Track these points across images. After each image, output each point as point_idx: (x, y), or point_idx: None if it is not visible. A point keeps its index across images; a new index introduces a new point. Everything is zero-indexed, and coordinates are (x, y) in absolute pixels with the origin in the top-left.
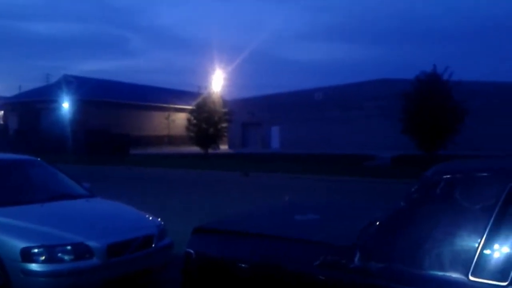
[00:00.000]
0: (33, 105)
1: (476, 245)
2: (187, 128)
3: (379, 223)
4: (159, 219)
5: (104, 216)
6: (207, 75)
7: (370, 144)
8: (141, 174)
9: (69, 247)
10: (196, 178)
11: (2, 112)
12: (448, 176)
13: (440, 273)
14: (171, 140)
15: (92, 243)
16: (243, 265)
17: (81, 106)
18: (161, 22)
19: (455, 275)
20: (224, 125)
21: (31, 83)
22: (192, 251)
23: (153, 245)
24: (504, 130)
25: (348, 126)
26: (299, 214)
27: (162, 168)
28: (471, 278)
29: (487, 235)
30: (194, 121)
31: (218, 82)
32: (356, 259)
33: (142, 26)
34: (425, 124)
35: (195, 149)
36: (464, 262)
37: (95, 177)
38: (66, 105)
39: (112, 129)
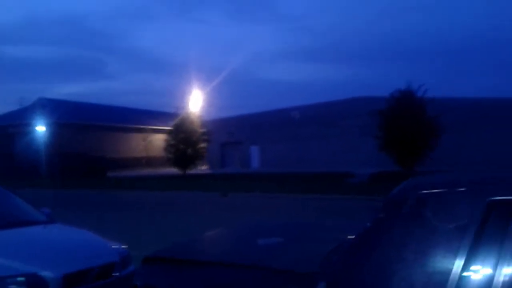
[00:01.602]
0: (6, 129)
1: (451, 268)
2: (165, 149)
3: (344, 247)
4: (123, 246)
5: (61, 244)
6: (186, 96)
7: (348, 161)
8: (116, 198)
9: (21, 279)
10: (173, 200)
11: None
12: (417, 192)
13: None
14: (149, 161)
15: (46, 273)
16: None
17: (56, 129)
18: (139, 45)
19: None
20: (203, 145)
21: (4, 107)
22: (139, 283)
23: (116, 274)
24: (481, 145)
25: (326, 144)
26: (263, 237)
27: (138, 190)
28: None
29: (462, 257)
30: (172, 142)
31: (196, 103)
32: (320, 287)
33: (119, 49)
34: (400, 141)
35: (174, 170)
36: (439, 287)
37: (66, 202)
38: (40, 129)
39: (89, 152)
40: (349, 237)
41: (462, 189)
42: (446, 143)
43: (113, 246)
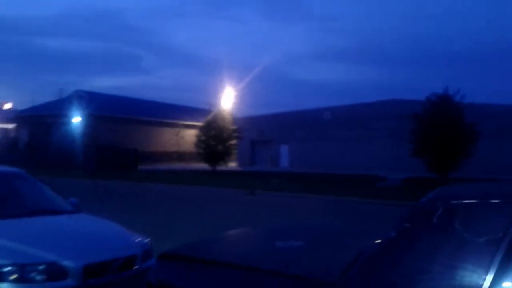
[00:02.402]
0: (44, 119)
1: (481, 283)
2: (196, 145)
3: (366, 256)
4: (146, 239)
5: (84, 234)
6: (218, 93)
7: (379, 165)
8: (145, 190)
9: (42, 267)
10: (201, 195)
11: (14, 125)
12: (448, 202)
13: None
14: (180, 156)
15: (67, 263)
16: None
17: (92, 121)
18: (174, 41)
19: None
20: (233, 142)
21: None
22: (154, 280)
23: (136, 266)
24: None
25: (357, 146)
26: (283, 240)
27: (168, 184)
28: None
29: (493, 272)
30: (203, 138)
31: (228, 100)
32: None
33: (154, 45)
34: (435, 146)
35: (204, 166)
36: None
37: (97, 192)
38: (76, 120)
39: (121, 144)
40: (372, 243)
41: (496, 200)
42: (482, 150)
43: (136, 239)
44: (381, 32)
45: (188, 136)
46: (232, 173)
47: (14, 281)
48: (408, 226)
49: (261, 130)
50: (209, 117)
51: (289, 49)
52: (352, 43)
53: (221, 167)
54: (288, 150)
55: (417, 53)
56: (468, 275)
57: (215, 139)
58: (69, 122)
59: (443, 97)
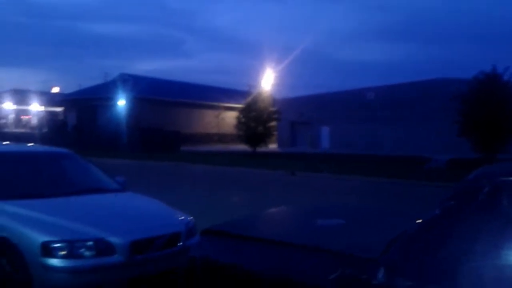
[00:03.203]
0: (90, 102)
1: None
2: (236, 127)
3: (409, 234)
4: (190, 217)
5: (130, 212)
6: (258, 75)
7: (424, 146)
8: (189, 171)
9: (90, 243)
10: (242, 175)
11: (62, 108)
12: (494, 180)
13: None
14: (221, 138)
15: (114, 239)
16: (250, 274)
17: (136, 103)
18: (216, 24)
19: None
20: (273, 123)
21: (90, 82)
22: (197, 255)
23: (180, 243)
24: None
25: (401, 127)
26: (323, 218)
27: (210, 165)
28: None
29: None
30: (243, 120)
31: (268, 81)
32: (380, 274)
33: (197, 28)
34: (482, 125)
35: (244, 147)
36: (511, 284)
37: (142, 172)
38: (121, 103)
39: (164, 126)
40: (415, 222)
41: None
42: None
43: (180, 217)
44: (426, 9)
45: (229, 118)
46: (272, 154)
47: (64, 256)
48: (452, 204)
49: (301, 111)
50: (249, 99)
51: (332, 28)
52: (397, 21)
53: (261, 149)
54: (329, 131)
55: (463, 30)
56: None
57: (255, 120)
58: (114, 105)
59: (491, 75)
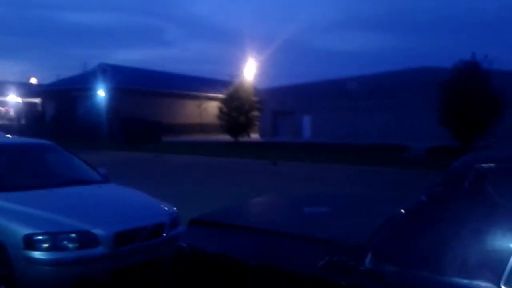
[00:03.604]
0: (69, 93)
1: (511, 248)
2: (218, 117)
3: (396, 220)
4: (173, 208)
5: (114, 203)
6: (240, 64)
7: (403, 135)
8: (171, 162)
9: (73, 235)
10: (225, 165)
11: (40, 99)
12: (479, 166)
13: (466, 281)
14: (203, 128)
15: (98, 231)
16: (238, 263)
17: (116, 94)
18: (196, 12)
19: (483, 283)
20: (255, 113)
21: (68, 72)
22: (185, 245)
23: (164, 234)
24: None
25: (381, 116)
26: (309, 206)
27: (192, 155)
28: (503, 287)
29: None
30: (225, 110)
31: (250, 71)
32: (367, 261)
33: (177, 16)
34: (463, 114)
35: (226, 137)
36: (495, 268)
37: (123, 164)
38: (101, 93)
39: (145, 117)
40: (401, 210)
41: None
42: (510, 118)
43: (163, 207)
44: None
45: (211, 108)
46: (254, 144)
47: (47, 249)
48: (439, 191)
49: (283, 101)
50: (231, 88)
51: (313, 18)
52: (379, 10)
53: (243, 139)
54: (311, 121)
55: (445, 19)
56: (498, 239)
57: (237, 110)
58: (93, 96)
59: (470, 64)
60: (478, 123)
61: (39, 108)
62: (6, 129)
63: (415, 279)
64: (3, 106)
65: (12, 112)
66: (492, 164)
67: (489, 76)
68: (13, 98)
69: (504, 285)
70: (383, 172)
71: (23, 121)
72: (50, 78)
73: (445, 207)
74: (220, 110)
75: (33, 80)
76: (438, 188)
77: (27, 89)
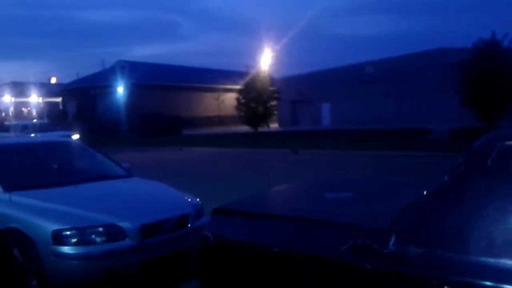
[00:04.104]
0: (89, 91)
1: None
2: (237, 108)
3: (419, 202)
4: (197, 199)
5: (139, 196)
6: (257, 55)
7: (425, 117)
8: (193, 154)
9: (101, 229)
10: (245, 156)
11: (61, 98)
12: (502, 144)
13: (492, 260)
14: (222, 120)
15: (124, 224)
16: (264, 250)
17: (135, 90)
18: (211, 5)
19: (510, 261)
20: (273, 103)
21: (88, 70)
22: (209, 234)
23: (189, 225)
24: None
25: (402, 100)
26: (331, 192)
27: (213, 147)
28: None
29: None
30: (243, 101)
31: (266, 61)
32: (391, 243)
33: (192, 10)
34: (485, 94)
35: (245, 128)
36: None
37: (145, 159)
38: (120, 90)
39: (164, 112)
40: (425, 191)
41: None
42: None
43: (188, 199)
44: None
45: (229, 99)
46: (274, 134)
47: (75, 244)
48: (461, 171)
49: (300, 90)
50: (248, 79)
51: (329, 3)
52: None
53: (262, 129)
54: (330, 108)
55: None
56: None
57: (255, 101)
58: (113, 92)
59: (490, 43)
60: (499, 101)
61: (60, 107)
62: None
63: (440, 260)
64: (25, 107)
65: (34, 113)
66: (500, 134)
67: (509, 54)
68: (35, 99)
69: None
70: (406, 156)
71: (46, 120)
72: (70, 77)
73: (468, 187)
74: (238, 101)
75: (53, 80)
76: (460, 168)
77: (48, 89)
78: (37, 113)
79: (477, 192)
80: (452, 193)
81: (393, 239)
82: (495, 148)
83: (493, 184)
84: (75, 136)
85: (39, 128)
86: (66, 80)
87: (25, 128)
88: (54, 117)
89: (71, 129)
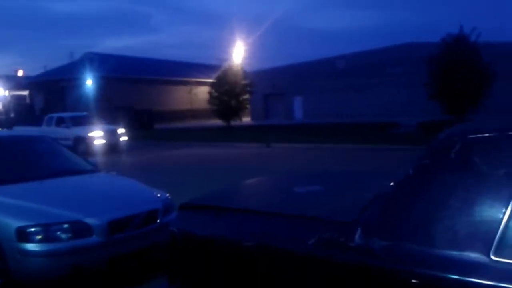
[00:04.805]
0: (57, 84)
1: (500, 217)
2: (209, 101)
3: (384, 194)
4: (167, 194)
5: (106, 192)
6: (229, 48)
7: (394, 111)
8: (166, 148)
9: (66, 225)
10: (217, 150)
11: (28, 91)
12: (465, 137)
13: (456, 252)
14: (194, 114)
15: (91, 220)
16: (230, 245)
17: (104, 82)
18: None
19: (474, 254)
20: (246, 97)
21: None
22: (176, 229)
23: (158, 221)
24: None
25: (372, 94)
26: (300, 186)
27: (185, 141)
28: (493, 257)
29: None
30: (216, 94)
31: (239, 54)
32: (357, 236)
33: (162, 1)
34: (453, 88)
35: (218, 122)
36: (485, 239)
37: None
38: (89, 82)
39: (135, 105)
40: (390, 184)
41: None
42: (499, 90)
43: (156, 194)
44: None
45: (201, 93)
46: (246, 127)
47: (40, 241)
48: (425, 163)
49: (273, 83)
50: (220, 72)
51: None
52: None
53: (235, 123)
54: (302, 102)
55: None
56: (486, 210)
57: (228, 94)
58: (82, 85)
59: (458, 37)
60: (468, 96)
61: (28, 101)
62: None
63: (406, 253)
64: None
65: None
66: (477, 135)
67: (477, 49)
68: (1, 92)
69: (494, 255)
70: (374, 149)
71: (12, 115)
72: (37, 69)
73: (432, 179)
74: (210, 94)
75: (20, 73)
76: (425, 160)
77: (14, 82)
78: (3, 106)
79: (440, 184)
80: (416, 185)
81: (359, 232)
82: (457, 141)
83: (457, 177)
84: (120, 131)
85: (78, 121)
86: (33, 73)
87: (61, 122)
88: (21, 111)
89: (115, 122)
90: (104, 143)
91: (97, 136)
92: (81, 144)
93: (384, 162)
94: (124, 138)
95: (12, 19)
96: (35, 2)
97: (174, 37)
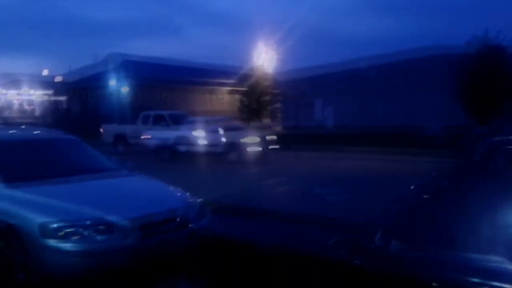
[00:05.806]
0: (94, 90)
1: None
2: (240, 109)
3: (406, 197)
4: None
5: (128, 190)
6: (254, 53)
7: (419, 115)
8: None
9: (88, 222)
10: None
11: (65, 97)
12: (490, 140)
13: (477, 256)
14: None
15: (114, 218)
16: (256, 245)
17: (140, 88)
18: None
19: (495, 258)
20: (277, 105)
21: (79, 63)
22: (206, 233)
23: (190, 225)
24: None
25: (395, 98)
26: (320, 188)
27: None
28: None
29: None
30: (247, 103)
31: (267, 60)
32: (377, 238)
33: (188, 5)
34: (479, 93)
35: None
36: (508, 242)
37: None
38: (112, 83)
39: (167, 108)
40: (412, 186)
41: None
42: None
43: (179, 193)
44: None
45: (223, 95)
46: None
47: (62, 237)
48: (449, 167)
49: (302, 89)
50: (251, 81)
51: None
52: None
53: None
54: (325, 106)
55: None
56: (510, 214)
57: (257, 102)
58: (104, 86)
59: (483, 40)
60: (495, 100)
61: (64, 106)
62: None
63: (426, 255)
64: (29, 105)
65: (35, 110)
66: (501, 137)
67: (502, 52)
68: (39, 97)
69: None
70: (398, 152)
71: (49, 120)
72: (60, 70)
73: (455, 183)
74: (241, 102)
75: (45, 72)
76: (447, 164)
77: (51, 86)
78: (40, 111)
79: (464, 188)
80: (439, 188)
81: (379, 233)
82: (482, 144)
83: (480, 180)
84: (271, 137)
85: (177, 120)
86: (57, 73)
87: (161, 119)
88: (58, 116)
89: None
90: (258, 151)
91: (251, 143)
92: (231, 152)
93: (407, 165)
94: (274, 146)
95: (33, 19)
96: (58, 1)
97: (196, 39)
